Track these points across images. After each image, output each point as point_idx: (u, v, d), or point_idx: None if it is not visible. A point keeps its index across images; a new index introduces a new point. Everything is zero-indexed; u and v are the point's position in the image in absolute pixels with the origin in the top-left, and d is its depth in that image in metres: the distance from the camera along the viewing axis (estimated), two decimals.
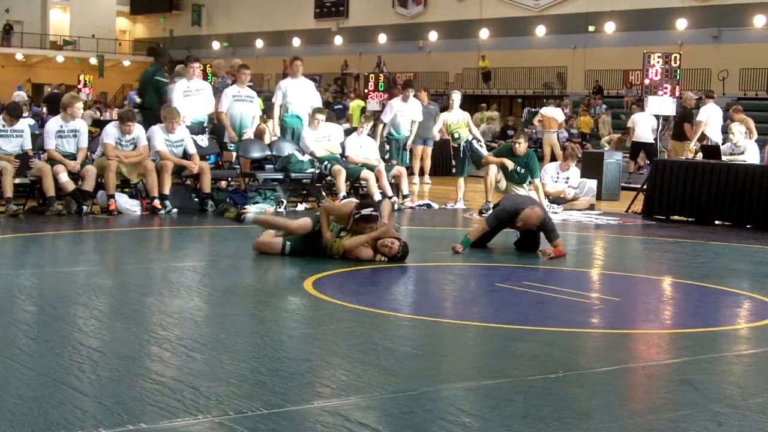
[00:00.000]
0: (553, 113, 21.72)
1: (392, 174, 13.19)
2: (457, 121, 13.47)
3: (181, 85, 12.48)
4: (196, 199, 11.75)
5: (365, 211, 7.89)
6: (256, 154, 12.81)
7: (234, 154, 12.79)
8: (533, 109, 30.18)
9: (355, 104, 23.21)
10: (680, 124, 17.72)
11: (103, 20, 52.05)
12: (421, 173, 17.07)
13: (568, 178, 13.93)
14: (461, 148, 13.40)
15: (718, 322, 6.34)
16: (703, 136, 16.46)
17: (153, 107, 12.51)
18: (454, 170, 13.62)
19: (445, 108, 16.49)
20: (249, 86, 13.26)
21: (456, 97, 13.95)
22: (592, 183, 14.70)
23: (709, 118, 16.40)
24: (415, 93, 15.72)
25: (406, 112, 15.18)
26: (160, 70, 13.11)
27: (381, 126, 15.29)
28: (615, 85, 32.62)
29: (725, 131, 15.56)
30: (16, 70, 47.65)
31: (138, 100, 13.70)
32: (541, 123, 22.32)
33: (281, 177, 12.50)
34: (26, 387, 4.03)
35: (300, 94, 13.29)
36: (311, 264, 7.59)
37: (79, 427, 3.50)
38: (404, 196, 13.24)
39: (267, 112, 14.22)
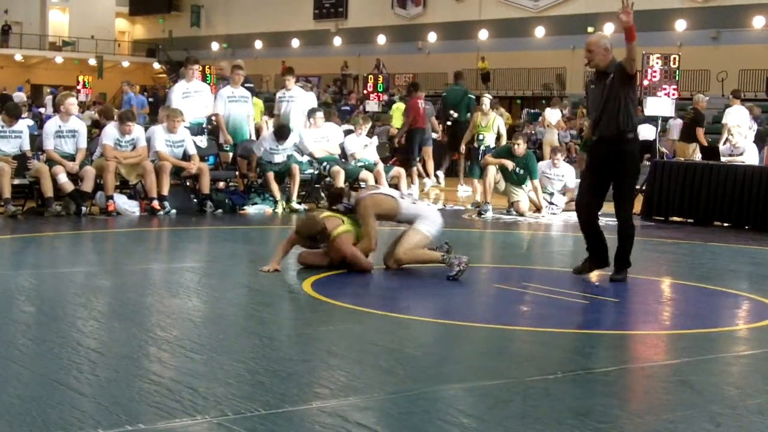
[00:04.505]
0: (549, 114, 22.07)
1: (391, 175, 13.20)
2: (486, 124, 13.77)
3: (180, 87, 12.51)
4: (195, 200, 11.76)
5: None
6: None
7: (230, 155, 12.79)
8: (532, 110, 30.20)
9: (396, 107, 21.76)
10: (690, 126, 17.37)
11: (102, 21, 52.02)
12: (422, 176, 16.29)
13: (563, 175, 13.87)
14: (480, 151, 13.56)
15: (717, 323, 6.33)
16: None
17: (462, 121, 15.53)
18: (469, 171, 13.80)
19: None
20: (249, 87, 13.25)
21: (486, 100, 14.21)
22: None
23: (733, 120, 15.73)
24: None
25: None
26: (467, 89, 16.33)
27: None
28: None
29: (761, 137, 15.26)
30: (15, 71, 47.63)
31: (455, 114, 16.32)
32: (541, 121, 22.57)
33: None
34: (24, 387, 4.02)
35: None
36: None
37: (78, 428, 3.50)
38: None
39: (271, 112, 14.22)
